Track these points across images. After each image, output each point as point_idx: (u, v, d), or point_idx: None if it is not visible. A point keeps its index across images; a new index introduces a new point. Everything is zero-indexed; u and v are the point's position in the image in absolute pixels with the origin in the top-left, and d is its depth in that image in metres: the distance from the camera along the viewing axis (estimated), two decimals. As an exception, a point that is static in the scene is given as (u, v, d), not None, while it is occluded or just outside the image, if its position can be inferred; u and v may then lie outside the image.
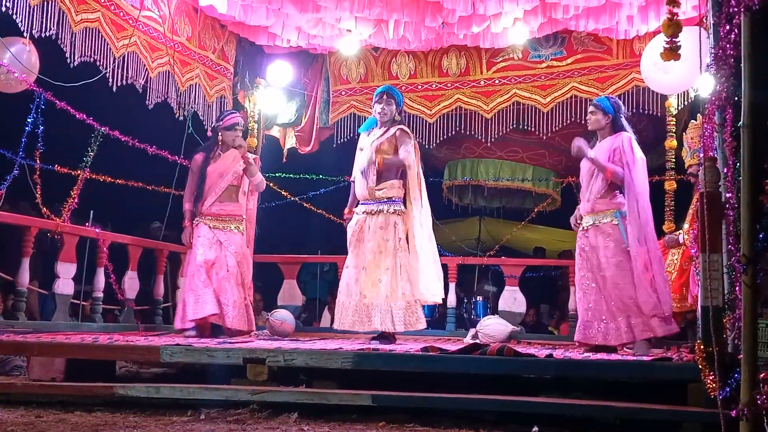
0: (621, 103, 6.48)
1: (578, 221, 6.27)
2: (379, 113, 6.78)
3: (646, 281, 5.88)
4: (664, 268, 6.26)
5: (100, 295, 7.77)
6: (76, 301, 7.84)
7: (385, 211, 6.62)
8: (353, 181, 6.95)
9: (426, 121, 9.45)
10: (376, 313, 6.43)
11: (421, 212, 6.76)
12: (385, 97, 6.79)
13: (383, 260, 6.53)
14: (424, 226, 6.75)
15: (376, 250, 6.55)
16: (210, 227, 7.00)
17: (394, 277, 6.50)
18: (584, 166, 6.23)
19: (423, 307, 10.38)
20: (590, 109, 6.33)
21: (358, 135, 7.16)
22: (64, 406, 4.84)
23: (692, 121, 7.20)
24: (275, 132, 10.13)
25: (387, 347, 5.69)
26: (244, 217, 7.28)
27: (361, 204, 6.75)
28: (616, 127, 6.19)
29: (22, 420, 4.33)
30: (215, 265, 6.90)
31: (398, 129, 6.77)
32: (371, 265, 6.54)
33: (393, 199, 6.67)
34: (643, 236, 5.92)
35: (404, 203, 6.72)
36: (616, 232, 5.99)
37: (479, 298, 10.64)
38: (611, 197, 6.08)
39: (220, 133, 7.19)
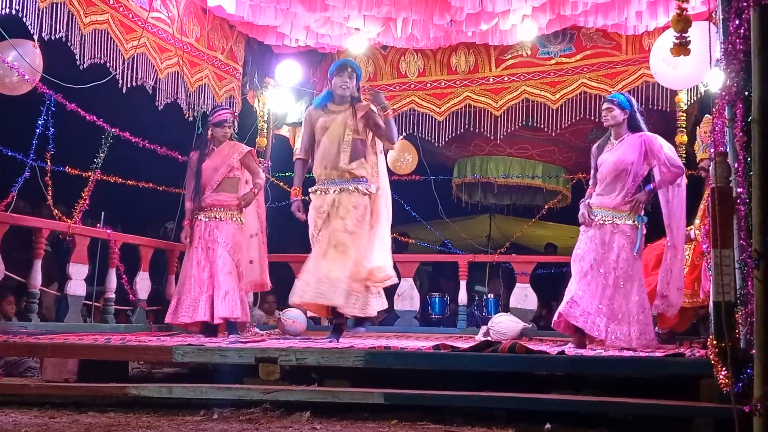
0: (634, 98, 6.49)
1: (590, 215, 6.22)
2: (341, 86, 6.35)
3: (646, 290, 6.04)
4: (683, 262, 6.31)
5: (112, 295, 7.81)
6: (88, 302, 7.86)
7: (359, 190, 6.30)
8: (301, 159, 6.60)
9: (435, 119, 9.45)
10: (341, 293, 6.12)
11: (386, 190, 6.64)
12: (348, 70, 6.39)
13: (356, 240, 6.23)
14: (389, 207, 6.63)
15: (351, 229, 6.22)
16: (206, 221, 7.02)
17: (359, 257, 6.25)
18: (607, 163, 6.20)
19: (434, 303, 10.51)
20: (605, 105, 6.29)
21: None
22: (78, 406, 4.85)
23: (706, 115, 7.17)
24: (285, 131, 10.15)
25: (398, 345, 5.69)
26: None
27: (327, 183, 6.36)
28: (632, 124, 6.19)
29: (36, 421, 4.35)
30: (209, 263, 6.94)
31: (369, 106, 6.40)
32: (344, 242, 6.20)
33: (364, 178, 6.37)
34: (673, 228, 6.12)
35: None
36: (633, 235, 6.00)
37: (490, 296, 10.62)
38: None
39: (210, 129, 7.21)
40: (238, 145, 7.33)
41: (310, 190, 6.50)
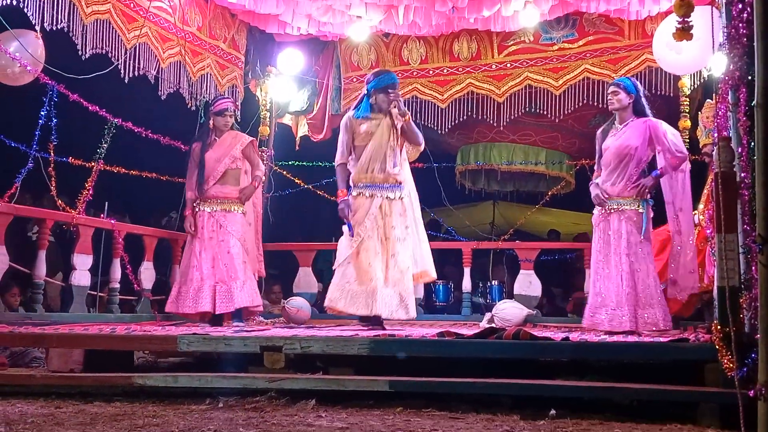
0: (639, 83, 6.48)
1: (603, 194, 6.23)
2: (388, 103, 6.51)
3: (656, 271, 6.07)
4: (693, 246, 6.31)
5: (117, 285, 7.82)
6: (93, 293, 7.88)
7: (402, 198, 6.55)
8: (343, 164, 6.70)
9: (438, 106, 9.43)
10: (405, 299, 6.39)
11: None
12: (397, 88, 6.66)
13: (407, 246, 6.50)
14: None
15: (401, 237, 6.48)
16: (210, 212, 7.02)
17: (411, 262, 6.53)
18: (611, 148, 6.20)
19: (438, 290, 10.51)
20: (611, 89, 6.30)
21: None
22: (83, 396, 4.87)
23: (708, 100, 7.15)
24: (287, 120, 10.14)
25: (403, 333, 5.70)
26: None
27: (373, 187, 6.53)
28: (637, 109, 6.18)
29: (42, 411, 4.37)
30: (215, 255, 6.93)
31: (406, 112, 6.63)
32: (399, 251, 6.45)
33: (403, 184, 6.60)
34: (680, 213, 6.18)
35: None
36: (639, 220, 6.01)
37: (494, 282, 10.61)
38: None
39: (211, 119, 7.20)
40: (240, 135, 7.33)
41: (352, 192, 6.58)
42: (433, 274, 6.89)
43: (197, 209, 7.05)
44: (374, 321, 6.44)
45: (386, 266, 6.41)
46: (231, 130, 7.28)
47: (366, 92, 6.66)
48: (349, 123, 6.69)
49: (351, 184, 6.62)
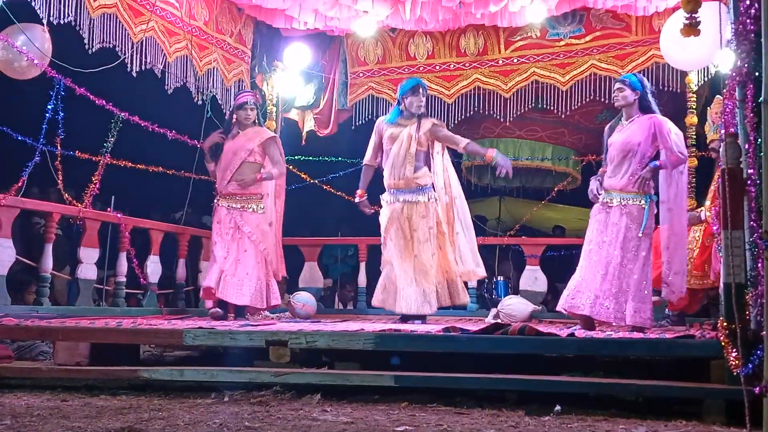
0: (646, 80, 6.46)
1: (599, 193, 6.21)
2: (417, 105, 6.86)
3: (651, 271, 6.03)
4: (685, 248, 6.28)
5: (123, 279, 7.83)
6: (99, 286, 7.89)
7: (424, 200, 6.80)
8: (368, 165, 7.12)
9: (444, 101, 9.42)
10: (429, 295, 6.67)
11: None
12: (421, 90, 6.90)
13: (430, 247, 6.76)
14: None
15: (422, 239, 6.73)
16: (227, 209, 7.03)
17: (439, 260, 6.82)
18: (616, 143, 6.18)
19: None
20: (617, 86, 6.27)
21: (374, 122, 7.25)
22: (89, 389, 4.89)
23: (717, 96, 7.11)
24: (294, 115, 10.13)
25: (409, 327, 5.71)
26: (265, 194, 7.28)
27: (396, 192, 6.84)
28: (643, 105, 6.16)
29: (48, 404, 4.38)
30: (230, 253, 6.94)
31: (432, 123, 6.97)
32: (421, 253, 6.73)
33: (428, 186, 6.84)
34: (674, 213, 6.09)
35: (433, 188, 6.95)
36: (640, 216, 5.99)
37: (500, 278, 10.61)
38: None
39: (234, 114, 7.22)
40: (262, 130, 7.34)
41: (381, 197, 6.98)
42: (480, 272, 7.33)
43: (215, 204, 7.09)
44: (403, 318, 6.70)
45: (410, 266, 6.71)
46: (255, 125, 7.28)
47: (398, 101, 7.01)
48: (377, 126, 7.11)
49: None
